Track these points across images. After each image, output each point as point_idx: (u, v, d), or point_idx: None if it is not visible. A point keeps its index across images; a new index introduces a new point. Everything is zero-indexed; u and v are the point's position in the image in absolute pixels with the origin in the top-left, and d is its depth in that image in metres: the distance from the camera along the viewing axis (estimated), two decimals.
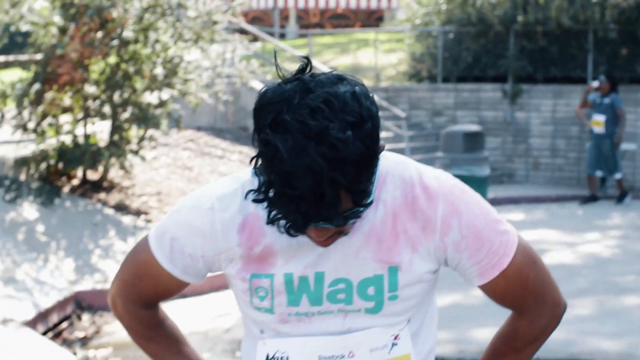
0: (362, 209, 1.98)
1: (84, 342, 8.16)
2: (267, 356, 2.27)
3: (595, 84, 15.74)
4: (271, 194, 1.95)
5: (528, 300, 2.28)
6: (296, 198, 1.91)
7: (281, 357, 2.27)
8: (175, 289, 2.32)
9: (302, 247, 2.16)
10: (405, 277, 2.19)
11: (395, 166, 2.18)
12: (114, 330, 8.38)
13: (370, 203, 2.00)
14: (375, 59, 21.10)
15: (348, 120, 1.90)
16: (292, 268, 2.18)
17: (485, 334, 7.87)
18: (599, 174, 15.56)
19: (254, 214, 2.17)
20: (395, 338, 2.26)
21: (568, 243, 12.09)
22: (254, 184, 2.12)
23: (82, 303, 8.98)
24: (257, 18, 31.44)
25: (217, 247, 2.20)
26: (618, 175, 15.44)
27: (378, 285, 2.19)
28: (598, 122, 15.35)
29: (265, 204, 2.05)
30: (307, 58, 2.01)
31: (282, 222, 1.99)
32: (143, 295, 2.35)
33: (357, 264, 2.17)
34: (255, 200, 2.00)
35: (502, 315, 7.95)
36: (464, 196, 2.19)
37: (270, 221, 2.00)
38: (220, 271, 2.28)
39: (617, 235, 12.79)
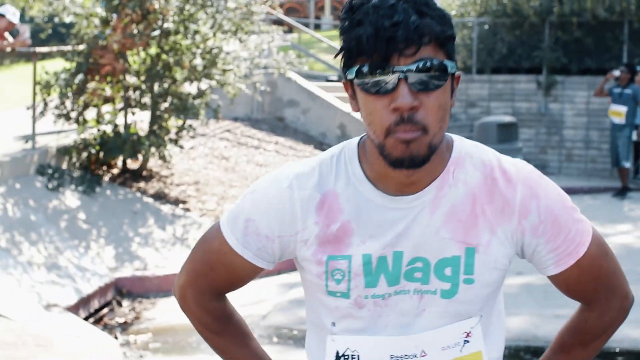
0: (439, 62, 1.99)
1: (124, 327, 8.29)
2: (337, 353, 2.21)
3: (616, 72, 15.63)
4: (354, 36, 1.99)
5: (599, 291, 2.26)
6: (384, 15, 1.94)
7: (352, 355, 2.21)
8: (249, 275, 2.26)
9: (380, 225, 2.12)
10: (482, 260, 2.14)
11: (473, 149, 2.20)
12: (154, 316, 8.54)
13: (448, 69, 2.01)
14: None
15: None
16: (370, 248, 2.13)
17: (518, 322, 8.00)
18: (627, 164, 15.51)
19: (332, 191, 2.14)
20: (467, 335, 2.21)
21: (601, 234, 12.16)
22: (332, 162, 2.16)
23: (122, 289, 9.15)
24: (293, 9, 31.56)
25: (294, 227, 2.14)
26: (627, 164, 15.33)
27: (455, 267, 2.14)
28: (619, 113, 15.24)
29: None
30: None
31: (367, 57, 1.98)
32: (215, 285, 2.28)
33: (436, 244, 2.13)
34: (343, 32, 2.04)
35: (535, 304, 8.04)
36: (542, 181, 2.17)
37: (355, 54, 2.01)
38: (293, 256, 2.21)
39: None
